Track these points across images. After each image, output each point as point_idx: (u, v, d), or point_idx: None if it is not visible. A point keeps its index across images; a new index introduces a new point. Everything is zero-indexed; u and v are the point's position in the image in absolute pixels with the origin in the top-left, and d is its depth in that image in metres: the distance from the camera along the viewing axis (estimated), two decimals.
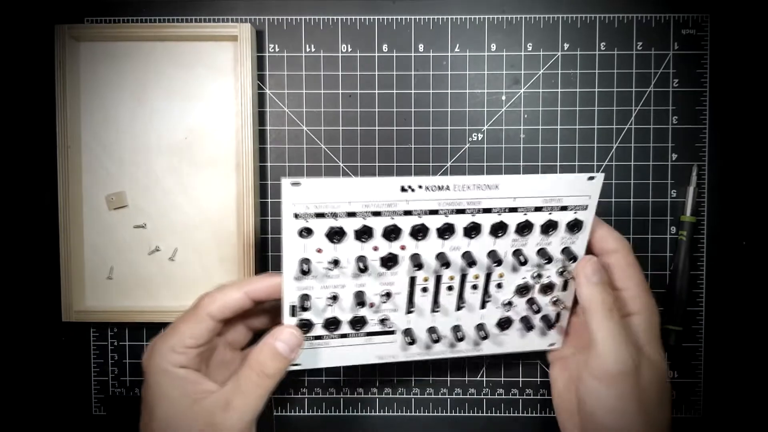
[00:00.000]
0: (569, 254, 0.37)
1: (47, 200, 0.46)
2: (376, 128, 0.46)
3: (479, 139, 0.46)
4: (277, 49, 0.46)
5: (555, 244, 0.37)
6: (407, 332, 0.38)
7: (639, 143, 0.46)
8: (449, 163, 0.46)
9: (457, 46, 0.46)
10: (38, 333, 0.47)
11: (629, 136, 0.46)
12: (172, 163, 0.46)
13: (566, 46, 0.46)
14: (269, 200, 0.47)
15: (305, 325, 0.36)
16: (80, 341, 0.47)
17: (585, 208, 0.36)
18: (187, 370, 0.34)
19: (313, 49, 0.46)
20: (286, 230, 0.33)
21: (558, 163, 0.46)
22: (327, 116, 0.46)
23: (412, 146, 0.46)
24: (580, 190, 0.35)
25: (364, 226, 0.34)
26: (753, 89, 0.46)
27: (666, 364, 0.36)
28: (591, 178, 0.35)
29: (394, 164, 0.46)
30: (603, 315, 0.34)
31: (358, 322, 0.37)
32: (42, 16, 0.45)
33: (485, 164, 0.46)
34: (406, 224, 0.34)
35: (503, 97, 0.46)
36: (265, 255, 0.47)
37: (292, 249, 0.34)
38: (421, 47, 0.46)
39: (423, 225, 0.34)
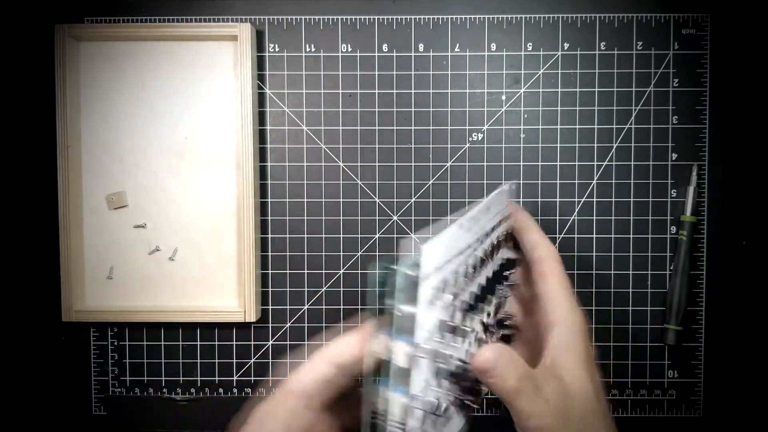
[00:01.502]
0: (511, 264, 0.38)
1: (47, 200, 0.46)
2: (376, 128, 0.46)
3: (479, 139, 0.46)
4: (277, 49, 0.46)
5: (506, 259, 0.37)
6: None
7: (639, 143, 0.46)
8: (449, 163, 0.46)
9: (457, 46, 0.46)
10: (38, 333, 0.47)
11: (629, 136, 0.46)
12: (172, 163, 0.46)
13: (566, 46, 0.46)
14: (269, 200, 0.47)
15: None
16: (80, 341, 0.47)
17: (508, 216, 0.38)
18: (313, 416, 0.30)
19: (313, 49, 0.46)
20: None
21: (558, 163, 0.46)
22: (327, 116, 0.46)
23: (412, 146, 0.46)
24: (505, 201, 0.38)
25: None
26: (753, 89, 0.46)
27: (592, 382, 0.32)
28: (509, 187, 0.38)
29: (394, 164, 0.46)
30: (514, 401, 0.31)
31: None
32: (42, 16, 0.45)
33: (485, 164, 0.46)
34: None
35: (503, 97, 0.46)
36: (265, 255, 0.47)
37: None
38: (421, 47, 0.46)
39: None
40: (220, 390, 0.47)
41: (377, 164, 0.46)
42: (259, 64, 0.46)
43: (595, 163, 0.46)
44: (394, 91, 0.46)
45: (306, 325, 0.47)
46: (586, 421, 0.32)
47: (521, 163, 0.46)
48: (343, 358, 0.29)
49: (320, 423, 0.30)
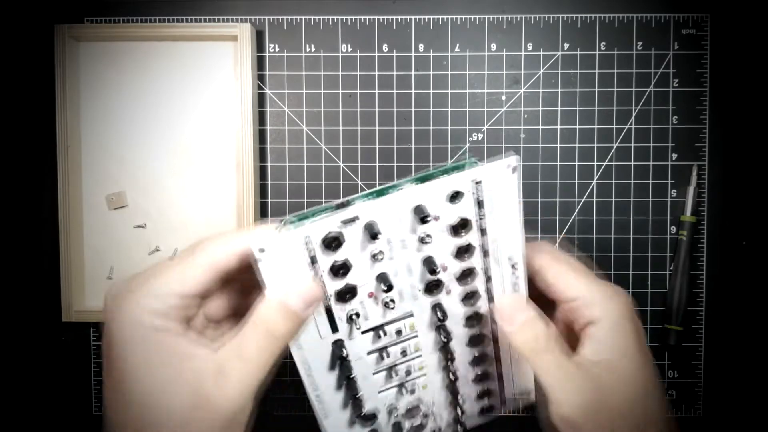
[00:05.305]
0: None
1: (47, 200, 0.46)
2: (376, 128, 0.46)
3: (479, 139, 0.46)
4: (277, 49, 0.46)
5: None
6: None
7: (639, 143, 0.46)
8: (449, 164, 0.46)
9: (457, 46, 0.46)
10: (38, 333, 0.47)
11: (629, 136, 0.46)
12: (172, 163, 0.46)
13: (566, 46, 0.46)
14: (269, 200, 0.47)
15: None
16: (80, 341, 0.47)
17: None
18: (165, 321, 0.27)
19: (313, 49, 0.46)
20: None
21: (558, 163, 0.46)
22: (327, 116, 0.46)
23: (412, 146, 0.46)
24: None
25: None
26: (753, 89, 0.46)
27: (645, 364, 0.30)
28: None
29: (394, 164, 0.46)
30: (537, 359, 0.30)
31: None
32: (42, 16, 0.45)
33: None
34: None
35: (503, 97, 0.46)
36: None
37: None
38: (421, 47, 0.46)
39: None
40: None
41: (377, 164, 0.46)
42: (259, 64, 0.46)
43: (595, 163, 0.46)
44: (394, 91, 0.46)
45: None
46: (647, 404, 0.30)
47: (521, 163, 0.46)
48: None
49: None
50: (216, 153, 0.46)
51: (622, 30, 0.46)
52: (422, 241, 0.30)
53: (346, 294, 0.30)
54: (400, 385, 0.33)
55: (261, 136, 0.46)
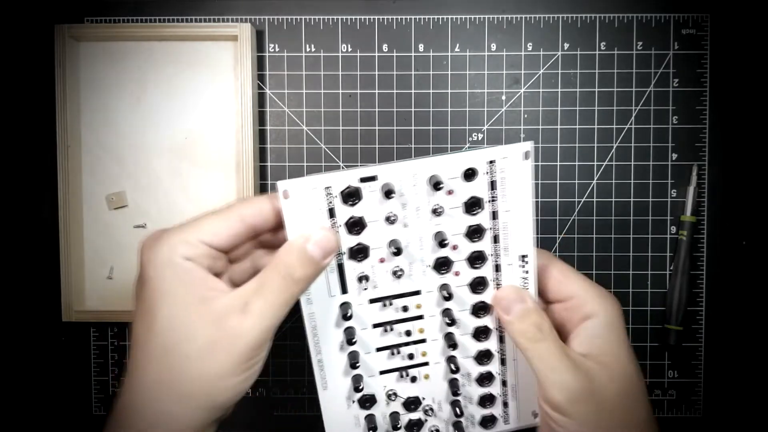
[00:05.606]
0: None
1: (47, 200, 0.46)
2: (376, 128, 0.46)
3: (479, 139, 0.46)
4: (277, 49, 0.46)
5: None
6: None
7: (639, 143, 0.46)
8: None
9: (457, 46, 0.46)
10: (38, 333, 0.47)
11: (629, 136, 0.46)
12: (172, 163, 0.46)
13: (566, 45, 0.46)
14: None
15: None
16: (80, 341, 0.47)
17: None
18: (194, 264, 0.29)
19: (313, 49, 0.46)
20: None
21: (558, 163, 0.46)
22: (327, 116, 0.46)
23: (412, 146, 0.46)
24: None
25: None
26: (753, 89, 0.46)
27: (634, 363, 0.32)
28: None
29: None
30: (532, 348, 0.31)
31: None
32: (42, 16, 0.45)
33: None
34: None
35: (503, 97, 0.46)
36: None
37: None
38: (421, 47, 0.46)
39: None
40: None
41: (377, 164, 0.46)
42: (259, 64, 0.46)
43: (595, 163, 0.46)
44: (394, 91, 0.46)
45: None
46: (632, 400, 0.31)
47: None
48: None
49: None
50: (216, 153, 0.46)
51: (622, 30, 0.46)
52: (435, 212, 0.31)
53: (359, 253, 0.31)
54: (402, 370, 0.34)
55: (261, 136, 0.46)
